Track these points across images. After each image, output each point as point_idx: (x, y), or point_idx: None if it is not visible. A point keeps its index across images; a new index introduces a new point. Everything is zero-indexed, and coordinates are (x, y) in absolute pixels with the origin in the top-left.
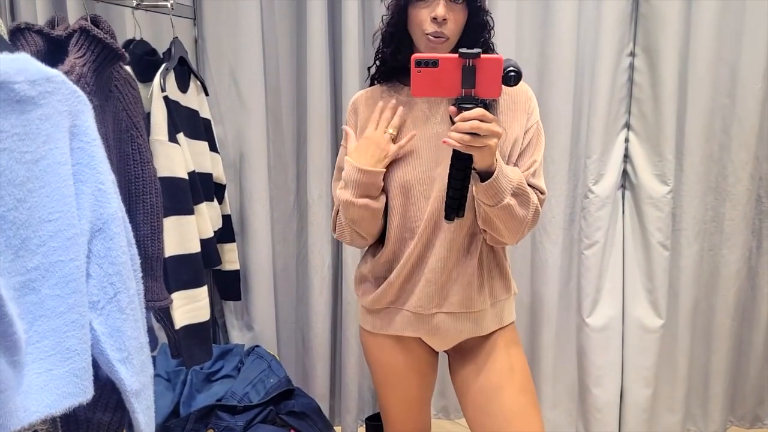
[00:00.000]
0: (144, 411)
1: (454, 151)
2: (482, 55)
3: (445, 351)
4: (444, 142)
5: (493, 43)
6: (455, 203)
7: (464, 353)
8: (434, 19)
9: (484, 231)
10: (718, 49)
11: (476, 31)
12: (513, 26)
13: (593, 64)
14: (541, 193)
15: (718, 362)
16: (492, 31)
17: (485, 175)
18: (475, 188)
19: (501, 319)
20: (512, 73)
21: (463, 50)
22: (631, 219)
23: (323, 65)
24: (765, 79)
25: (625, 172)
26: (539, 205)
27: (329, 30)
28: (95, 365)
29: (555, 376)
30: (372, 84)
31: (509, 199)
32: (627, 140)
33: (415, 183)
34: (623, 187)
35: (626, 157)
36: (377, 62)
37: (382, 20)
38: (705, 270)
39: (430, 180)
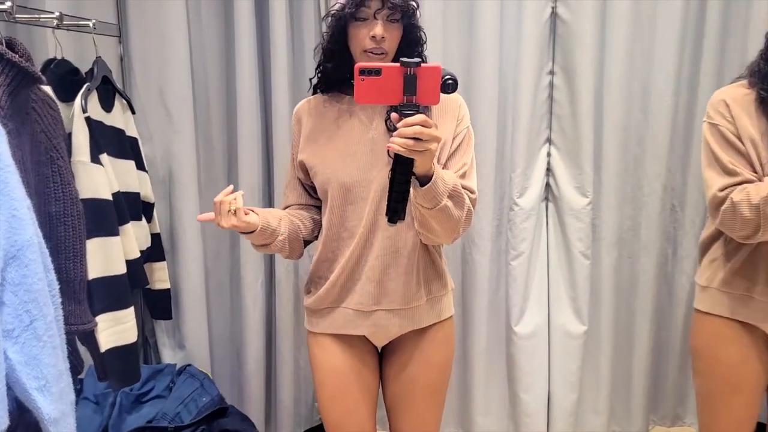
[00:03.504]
0: None
1: (396, 156)
2: (422, 64)
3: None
4: (389, 147)
5: (426, 56)
6: (398, 207)
7: (397, 347)
8: (373, 37)
9: (420, 232)
10: (631, 67)
11: (411, 45)
12: (439, 46)
13: (515, 82)
14: (471, 192)
15: (639, 364)
16: (425, 45)
17: (423, 180)
18: (413, 193)
19: (439, 314)
20: (450, 81)
21: (405, 59)
22: (555, 230)
23: (252, 80)
24: (675, 94)
25: (548, 185)
26: (471, 206)
27: (258, 45)
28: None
29: (486, 383)
30: (314, 93)
31: (446, 201)
32: (549, 154)
33: (352, 185)
34: (546, 199)
35: (549, 170)
36: (318, 75)
37: (323, 36)
38: (625, 277)
39: (367, 182)
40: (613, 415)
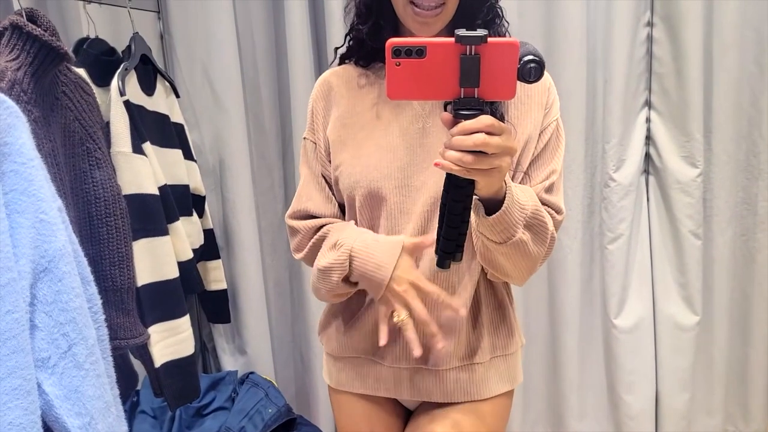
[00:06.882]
0: None
1: (449, 176)
2: (489, 39)
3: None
4: (436, 164)
5: (502, 9)
6: (451, 246)
7: (431, 413)
8: None
9: (483, 265)
10: (744, 10)
11: None
12: None
13: (606, 37)
14: (558, 213)
15: (757, 356)
16: None
17: (491, 204)
18: (476, 220)
19: (499, 380)
20: (532, 65)
21: (462, 32)
22: (658, 207)
23: (306, 56)
24: None
25: (648, 156)
26: (555, 231)
27: (311, 16)
28: None
29: (581, 383)
30: (340, 64)
31: (521, 234)
32: (648, 120)
33: (390, 192)
34: (647, 172)
35: (648, 138)
36: (350, 42)
37: None
38: (739, 257)
39: (412, 189)
40: (729, 416)
